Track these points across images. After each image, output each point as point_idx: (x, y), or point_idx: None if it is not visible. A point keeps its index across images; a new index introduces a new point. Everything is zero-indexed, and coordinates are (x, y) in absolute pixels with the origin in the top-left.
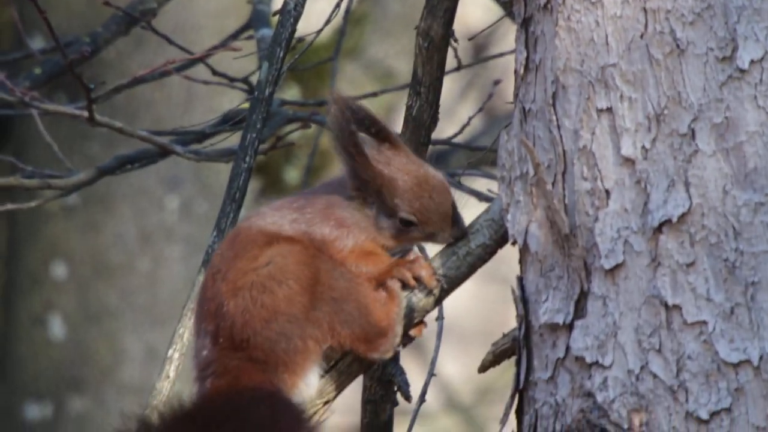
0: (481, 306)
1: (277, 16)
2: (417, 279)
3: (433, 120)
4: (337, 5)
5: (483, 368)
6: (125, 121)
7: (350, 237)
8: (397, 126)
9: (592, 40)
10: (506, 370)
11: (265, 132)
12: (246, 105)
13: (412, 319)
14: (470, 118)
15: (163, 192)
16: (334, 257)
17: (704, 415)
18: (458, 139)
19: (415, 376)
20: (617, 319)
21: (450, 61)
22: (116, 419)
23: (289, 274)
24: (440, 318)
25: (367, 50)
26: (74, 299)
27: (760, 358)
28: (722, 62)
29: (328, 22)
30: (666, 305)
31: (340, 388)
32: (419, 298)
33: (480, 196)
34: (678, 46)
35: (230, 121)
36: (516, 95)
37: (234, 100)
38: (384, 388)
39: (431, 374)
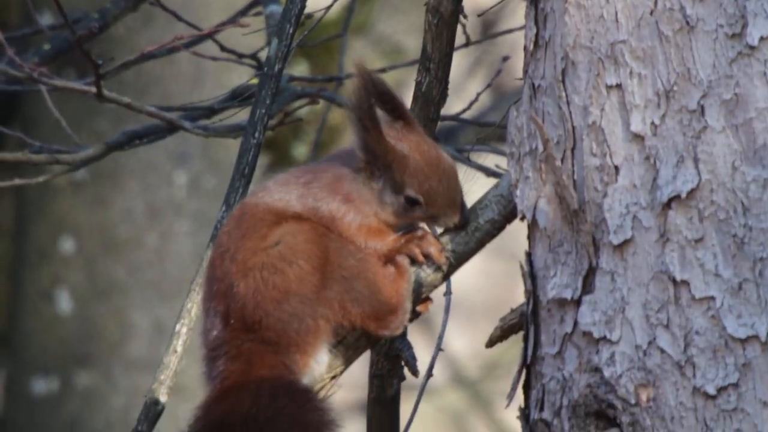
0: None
1: None
2: (426, 255)
3: (443, 96)
4: None
5: (491, 343)
6: (134, 97)
7: (358, 213)
8: (407, 102)
9: (601, 17)
10: (513, 346)
11: (273, 108)
12: (255, 81)
13: (420, 295)
14: (479, 94)
15: (172, 167)
16: (343, 234)
17: (711, 391)
18: (467, 115)
19: (421, 350)
20: (625, 294)
21: (459, 37)
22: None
23: (300, 253)
24: (448, 293)
25: (376, 26)
26: (82, 274)
27: None
28: (732, 39)
29: None
30: (674, 281)
31: (347, 363)
32: (427, 274)
33: (488, 172)
34: (687, 22)
35: (239, 97)
36: (525, 71)
37: (242, 76)
38: (391, 363)
39: (438, 349)
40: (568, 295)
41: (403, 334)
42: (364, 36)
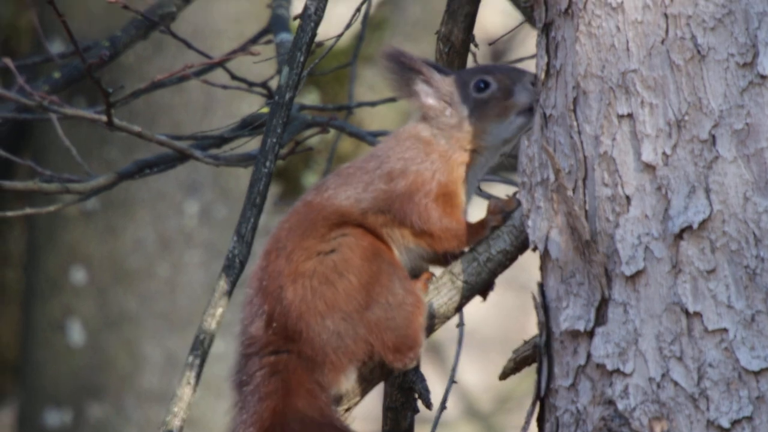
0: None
1: (296, 21)
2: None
3: None
4: (357, 10)
5: (504, 375)
6: (144, 126)
7: (432, 179)
8: None
9: (612, 46)
10: (526, 378)
11: (284, 137)
12: (265, 110)
13: (432, 326)
14: None
15: (183, 197)
16: (421, 202)
17: (725, 424)
18: None
19: (433, 383)
20: (638, 326)
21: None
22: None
23: (353, 268)
24: (461, 324)
25: None
26: (93, 305)
27: None
28: (743, 68)
29: (348, 26)
30: (687, 312)
31: (361, 395)
32: (440, 305)
33: None
34: (699, 51)
35: (249, 125)
36: (537, 100)
37: (253, 104)
38: (405, 396)
39: (452, 381)
40: (581, 326)
41: (417, 367)
42: (375, 64)
